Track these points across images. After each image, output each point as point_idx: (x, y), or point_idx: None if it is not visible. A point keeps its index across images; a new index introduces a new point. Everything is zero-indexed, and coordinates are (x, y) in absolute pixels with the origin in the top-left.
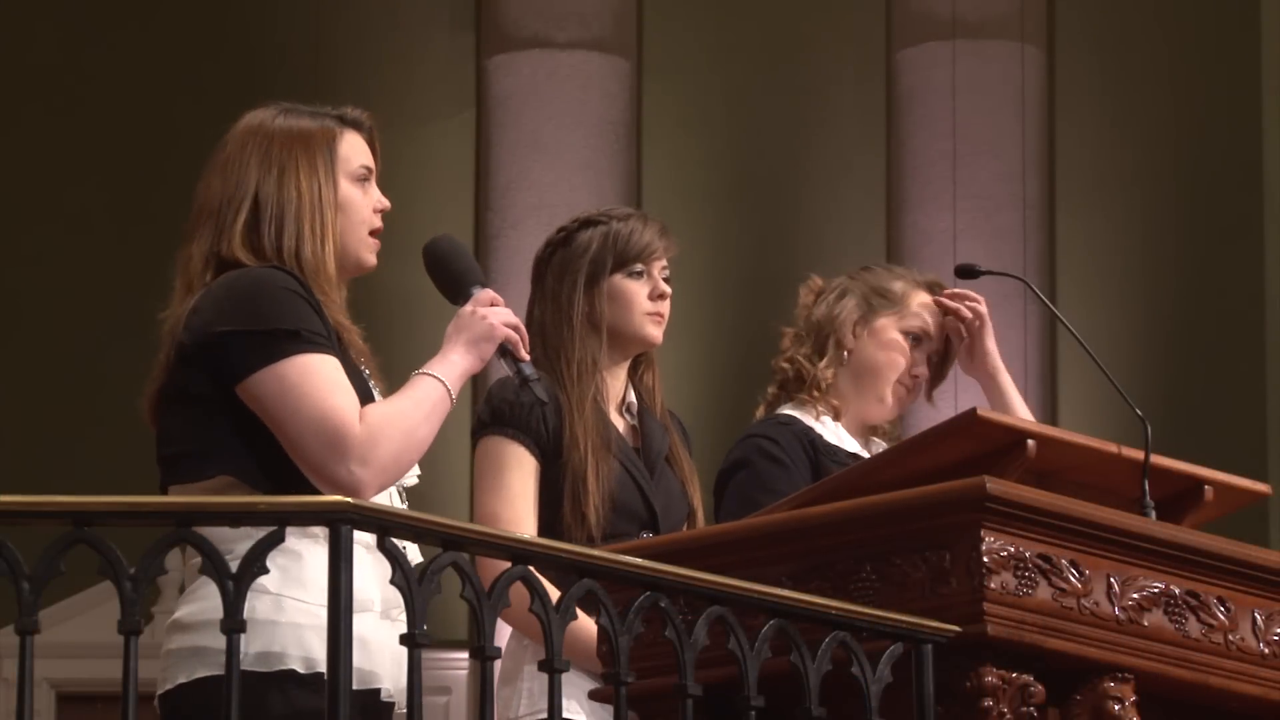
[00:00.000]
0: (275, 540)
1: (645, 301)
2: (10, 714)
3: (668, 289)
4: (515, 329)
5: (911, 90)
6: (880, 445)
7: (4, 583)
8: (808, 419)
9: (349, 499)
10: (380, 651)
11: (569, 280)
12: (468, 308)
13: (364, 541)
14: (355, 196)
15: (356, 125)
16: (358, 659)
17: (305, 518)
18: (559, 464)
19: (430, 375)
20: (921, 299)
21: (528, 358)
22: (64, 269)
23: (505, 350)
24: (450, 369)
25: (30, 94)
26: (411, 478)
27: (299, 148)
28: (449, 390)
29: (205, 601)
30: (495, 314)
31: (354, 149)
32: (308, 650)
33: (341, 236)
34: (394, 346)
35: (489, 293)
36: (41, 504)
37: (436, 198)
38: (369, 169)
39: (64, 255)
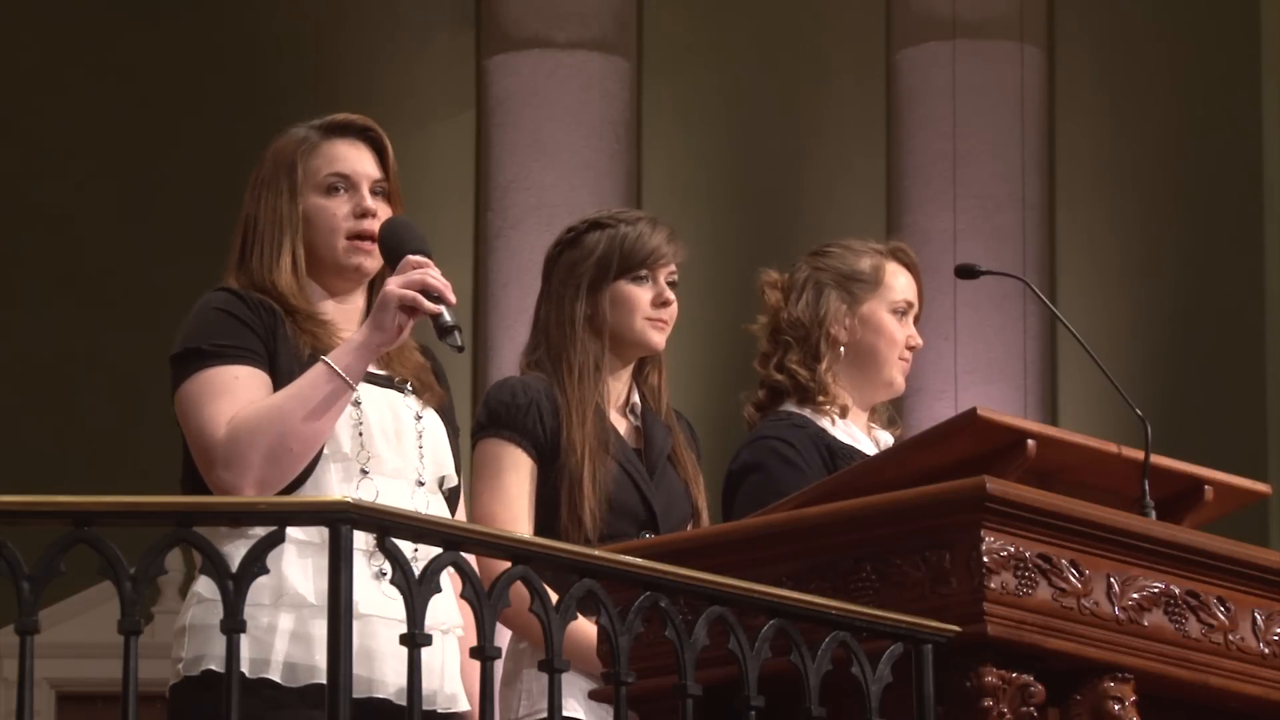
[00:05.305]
0: (275, 540)
1: (647, 307)
2: (10, 714)
3: (671, 296)
4: (422, 287)
5: (911, 90)
6: (887, 438)
7: (4, 583)
8: (821, 421)
9: (348, 499)
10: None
11: (572, 283)
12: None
13: (297, 536)
14: (321, 207)
15: (342, 131)
16: (292, 653)
17: (305, 518)
18: (556, 466)
19: (321, 361)
20: (892, 269)
21: (438, 309)
22: (62, 268)
23: (428, 312)
24: (343, 350)
25: (27, 94)
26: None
27: (270, 169)
28: (338, 373)
29: None
30: (394, 280)
31: (327, 159)
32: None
33: (313, 249)
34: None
35: (407, 259)
36: (41, 504)
37: (436, 198)
38: (341, 175)
39: (61, 254)
